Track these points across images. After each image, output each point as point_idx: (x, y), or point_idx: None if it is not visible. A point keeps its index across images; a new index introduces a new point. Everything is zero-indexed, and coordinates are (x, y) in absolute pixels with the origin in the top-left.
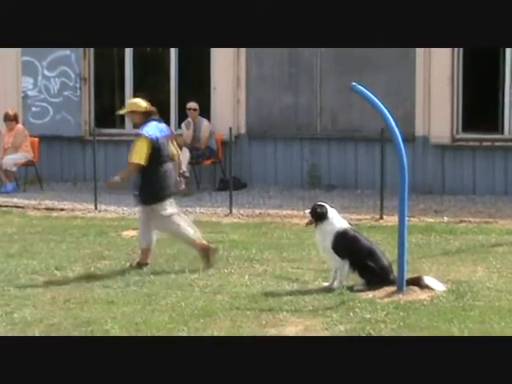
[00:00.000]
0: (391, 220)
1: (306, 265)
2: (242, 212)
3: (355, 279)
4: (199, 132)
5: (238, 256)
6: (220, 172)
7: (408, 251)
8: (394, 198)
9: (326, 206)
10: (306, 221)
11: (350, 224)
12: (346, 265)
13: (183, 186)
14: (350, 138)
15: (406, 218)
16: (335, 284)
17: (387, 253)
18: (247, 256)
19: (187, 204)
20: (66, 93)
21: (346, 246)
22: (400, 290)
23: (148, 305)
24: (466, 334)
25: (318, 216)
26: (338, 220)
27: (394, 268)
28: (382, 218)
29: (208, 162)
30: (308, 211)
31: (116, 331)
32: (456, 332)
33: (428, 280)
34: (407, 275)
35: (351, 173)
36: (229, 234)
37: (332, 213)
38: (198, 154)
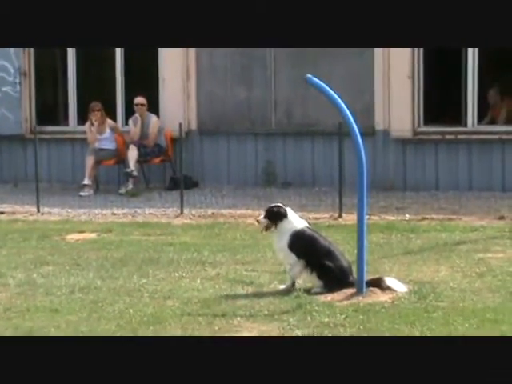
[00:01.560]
0: (351, 218)
1: (262, 267)
2: (193, 212)
3: (313, 281)
4: (147, 128)
5: (189, 259)
6: (170, 170)
7: (368, 251)
8: (354, 196)
9: (283, 205)
10: (262, 227)
11: (309, 223)
12: (299, 264)
13: (131, 186)
14: (307, 132)
15: (366, 216)
16: (287, 283)
17: (346, 253)
18: (199, 259)
19: (135, 205)
20: (4, 88)
21: (303, 245)
22: (360, 292)
23: (94, 312)
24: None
25: (276, 216)
26: (296, 219)
27: (354, 269)
28: (340, 216)
29: (157, 160)
30: (261, 217)
31: None
32: (418, 335)
33: (389, 281)
34: (367, 276)
35: (308, 169)
36: (180, 235)
37: (290, 212)
38: (147, 151)
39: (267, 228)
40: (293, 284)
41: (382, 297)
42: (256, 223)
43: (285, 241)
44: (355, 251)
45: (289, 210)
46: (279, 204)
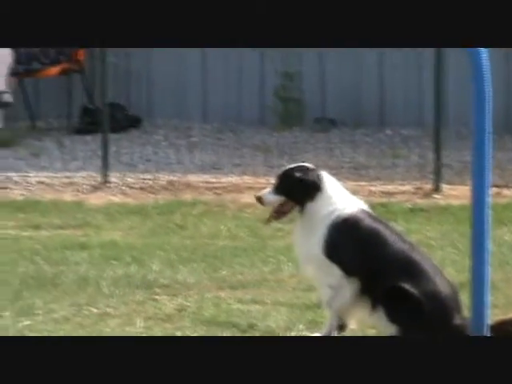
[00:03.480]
0: (458, 193)
1: (271, 294)
2: (129, 179)
3: (379, 324)
4: None
5: (121, 278)
6: (81, 92)
7: (496, 263)
8: (464, 148)
9: (313, 167)
10: (269, 212)
11: (369, 205)
12: (349, 286)
13: None
14: None
15: (490, 190)
16: (325, 327)
17: (449, 267)
18: (142, 277)
19: (8, 164)
20: None
21: (357, 249)
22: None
23: None
24: None
25: (300, 188)
26: (340, 196)
27: (465, 299)
28: (437, 188)
29: (54, 71)
30: (268, 191)
31: None
32: None
33: None
34: (493, 316)
35: (371, 93)
36: (101, 228)
37: (328, 181)
38: (33, 52)
39: (280, 214)
40: (337, 328)
41: None
42: (258, 202)
43: (318, 240)
44: (467, 262)
45: (326, 177)
46: (306, 164)
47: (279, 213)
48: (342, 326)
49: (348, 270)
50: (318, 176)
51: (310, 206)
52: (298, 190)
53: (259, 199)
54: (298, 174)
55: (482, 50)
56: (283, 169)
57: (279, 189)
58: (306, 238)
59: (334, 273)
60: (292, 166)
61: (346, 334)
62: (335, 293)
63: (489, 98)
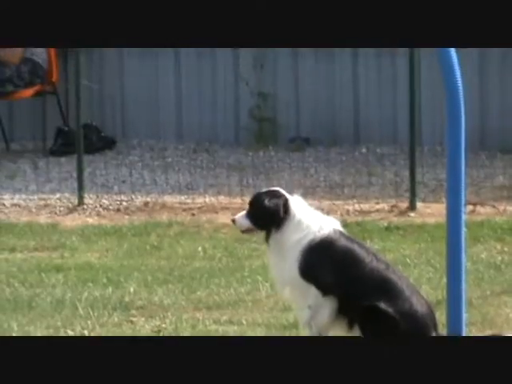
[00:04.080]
0: (433, 211)
1: (248, 315)
2: (105, 201)
3: None
4: None
5: (97, 300)
6: (56, 114)
7: (471, 281)
8: (439, 165)
9: (284, 192)
10: (242, 227)
11: (343, 224)
12: (327, 305)
13: None
14: None
15: (464, 208)
16: None
17: (426, 285)
18: (118, 299)
19: None
20: None
21: (332, 269)
22: None
23: None
24: None
25: (268, 216)
26: (312, 218)
27: (441, 317)
28: (413, 207)
29: (28, 93)
30: (241, 215)
31: None
32: None
33: None
34: (469, 333)
35: (346, 111)
36: (77, 250)
37: (298, 205)
38: (7, 74)
39: (249, 230)
40: None
41: None
42: (233, 224)
43: (293, 262)
44: (442, 281)
45: (294, 203)
46: (276, 190)
47: (249, 230)
48: None
49: (325, 289)
50: (285, 204)
51: (277, 233)
52: (262, 219)
53: (233, 221)
54: (263, 203)
55: (455, 61)
56: (254, 194)
57: (249, 214)
58: (280, 261)
59: (312, 293)
60: (262, 191)
61: None
62: (314, 312)
63: (463, 113)
